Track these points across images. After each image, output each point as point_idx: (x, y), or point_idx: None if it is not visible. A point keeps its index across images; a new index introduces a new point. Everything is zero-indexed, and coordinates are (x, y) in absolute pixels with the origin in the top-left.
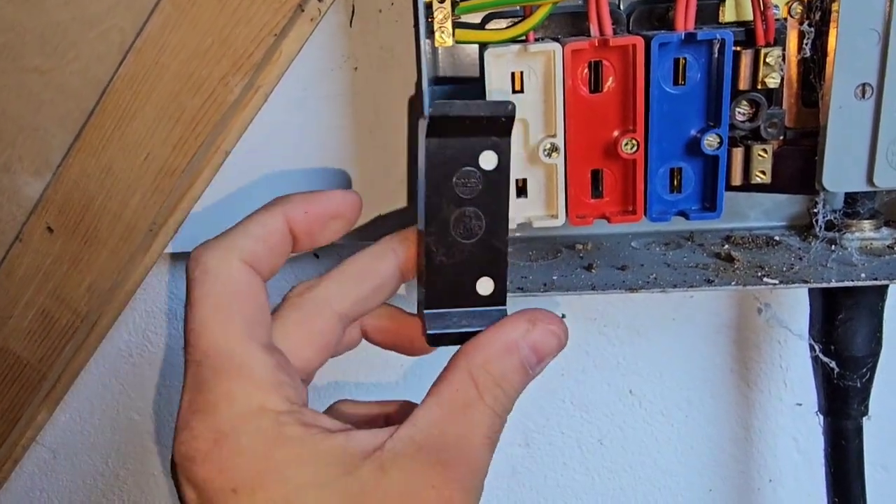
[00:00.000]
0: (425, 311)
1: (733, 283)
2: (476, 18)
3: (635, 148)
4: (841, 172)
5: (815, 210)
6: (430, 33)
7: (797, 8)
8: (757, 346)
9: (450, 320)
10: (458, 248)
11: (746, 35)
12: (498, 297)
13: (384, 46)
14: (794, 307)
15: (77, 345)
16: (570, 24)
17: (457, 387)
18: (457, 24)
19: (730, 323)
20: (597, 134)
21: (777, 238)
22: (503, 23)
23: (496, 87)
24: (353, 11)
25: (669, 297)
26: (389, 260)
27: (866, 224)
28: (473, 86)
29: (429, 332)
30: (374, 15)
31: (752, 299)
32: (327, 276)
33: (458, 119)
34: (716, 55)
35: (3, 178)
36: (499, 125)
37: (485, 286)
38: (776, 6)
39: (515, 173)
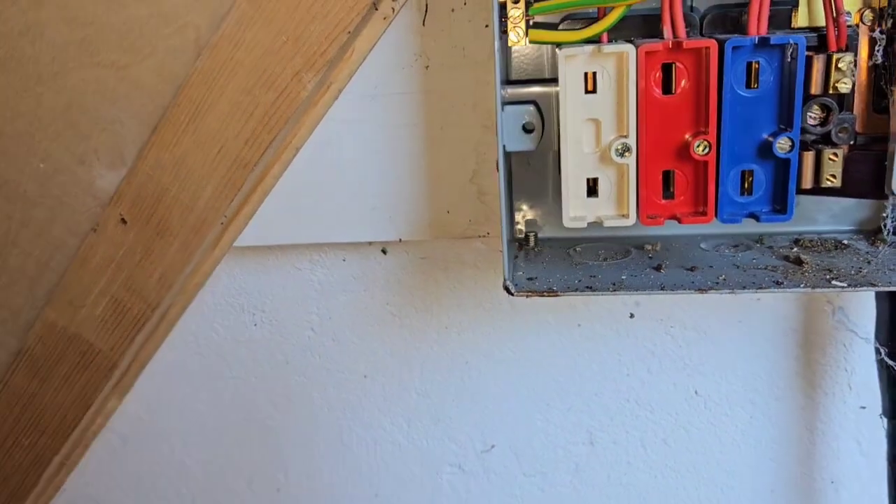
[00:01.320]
0: None
1: (802, 285)
2: (551, 20)
3: (707, 149)
4: None
5: (885, 214)
6: (504, 33)
7: (869, 15)
8: (822, 350)
9: None
10: None
11: (818, 40)
12: None
13: (456, 45)
14: (861, 311)
15: (147, 334)
16: (643, 27)
17: None
18: (532, 25)
19: (796, 326)
20: (669, 135)
21: (845, 242)
22: (577, 24)
23: (570, 87)
24: (426, 10)
25: (736, 299)
26: None
27: None
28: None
29: None
30: (446, 14)
31: (819, 302)
32: None
33: None
34: (789, 59)
35: (79, 170)
36: None
37: None
38: (848, 13)
39: (587, 172)
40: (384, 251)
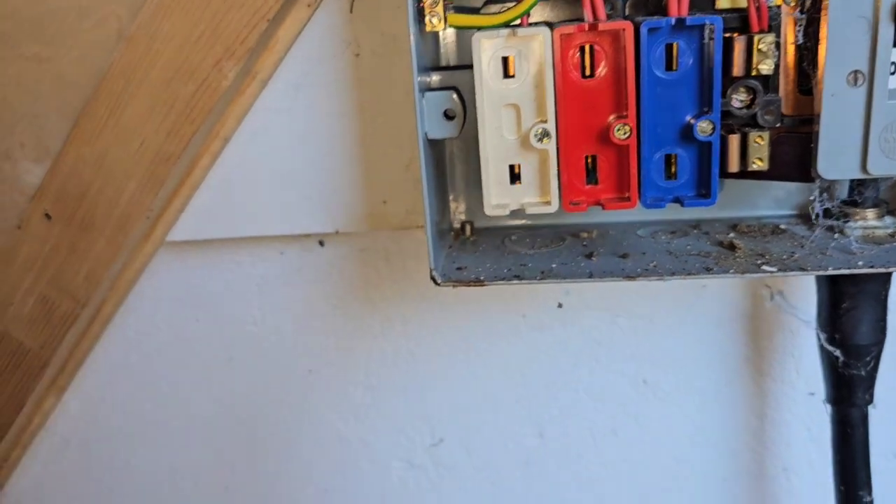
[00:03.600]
0: None
1: (731, 270)
2: (477, 3)
3: (628, 134)
4: (835, 160)
5: (812, 198)
6: (422, 18)
7: None
8: (770, 336)
9: None
10: None
11: (741, 22)
12: None
13: (386, 32)
14: (805, 297)
15: (80, 332)
16: (568, 10)
17: None
18: (455, 9)
19: (744, 312)
20: (591, 119)
21: (783, 227)
22: (498, 7)
23: (486, 72)
24: None
25: (683, 286)
26: None
27: (869, 213)
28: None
29: None
30: (375, 0)
31: (764, 287)
32: None
33: None
34: (706, 41)
35: (5, 165)
36: None
37: None
38: None
39: (509, 158)
40: (321, 243)
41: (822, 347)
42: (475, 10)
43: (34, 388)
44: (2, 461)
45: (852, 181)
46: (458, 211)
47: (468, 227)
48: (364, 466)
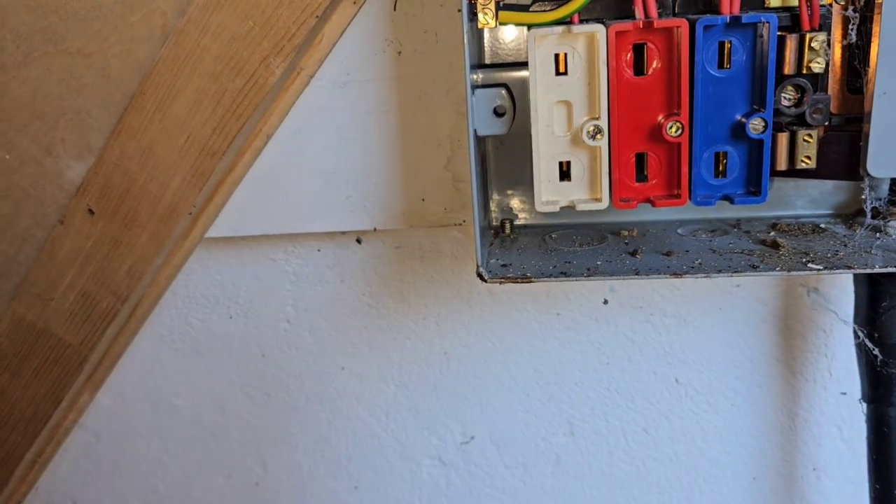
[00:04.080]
0: None
1: (778, 268)
2: (522, 1)
3: (680, 131)
4: (886, 158)
5: (864, 197)
6: (474, 15)
7: None
8: (802, 336)
9: None
10: None
11: (791, 20)
12: None
13: (428, 30)
14: (839, 296)
15: (118, 328)
16: (616, 8)
17: None
18: (503, 7)
19: (776, 312)
20: (641, 117)
21: (823, 226)
22: (548, 5)
23: (541, 69)
24: None
25: (716, 286)
26: None
27: None
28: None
29: None
30: None
31: (798, 287)
32: None
33: None
34: (761, 38)
35: (46, 161)
36: None
37: None
38: None
39: (559, 155)
40: (359, 241)
41: (859, 346)
42: (524, 8)
43: (72, 384)
44: (36, 457)
45: (893, 180)
46: (493, 209)
47: (508, 225)
48: (395, 463)
